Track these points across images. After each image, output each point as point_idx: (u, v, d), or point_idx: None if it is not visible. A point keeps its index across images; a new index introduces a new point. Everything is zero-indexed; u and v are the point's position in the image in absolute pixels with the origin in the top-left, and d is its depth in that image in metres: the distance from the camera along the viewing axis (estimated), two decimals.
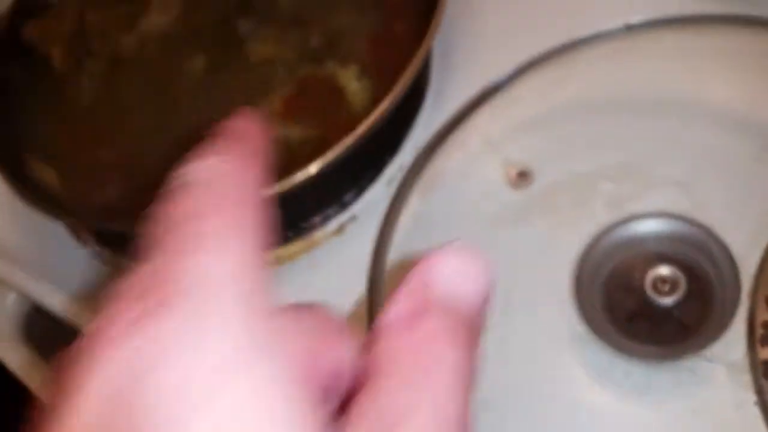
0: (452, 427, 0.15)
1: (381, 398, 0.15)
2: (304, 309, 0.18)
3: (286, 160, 0.43)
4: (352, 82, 0.45)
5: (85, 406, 0.13)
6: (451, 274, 0.18)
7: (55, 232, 0.51)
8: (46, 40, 0.53)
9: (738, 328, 0.36)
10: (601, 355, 0.36)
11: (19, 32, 0.53)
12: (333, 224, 0.46)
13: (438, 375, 0.15)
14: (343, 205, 0.46)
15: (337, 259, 0.45)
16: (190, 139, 0.47)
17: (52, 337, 0.62)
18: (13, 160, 0.47)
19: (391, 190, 0.46)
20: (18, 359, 0.52)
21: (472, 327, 0.17)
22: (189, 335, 0.13)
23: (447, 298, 0.17)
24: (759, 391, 0.35)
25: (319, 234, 0.46)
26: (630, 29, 0.41)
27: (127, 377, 0.13)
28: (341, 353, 0.17)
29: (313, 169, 0.40)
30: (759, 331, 0.36)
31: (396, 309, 0.17)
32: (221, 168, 0.17)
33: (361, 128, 0.41)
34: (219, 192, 0.16)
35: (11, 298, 0.53)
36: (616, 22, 0.42)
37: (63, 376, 0.14)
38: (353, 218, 0.46)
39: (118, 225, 0.42)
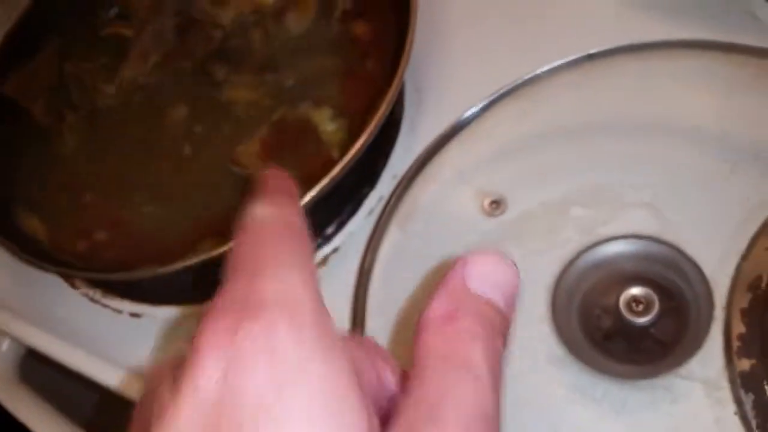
0: (481, 423, 0.17)
1: (416, 390, 0.17)
2: (356, 336, 0.20)
3: None
4: (327, 123, 0.47)
5: (193, 405, 0.16)
6: (484, 277, 0.20)
7: (46, 277, 0.52)
8: (26, 95, 0.54)
9: (712, 345, 0.36)
10: (579, 375, 0.37)
11: (1, 90, 0.54)
12: (317, 257, 0.47)
13: (468, 373, 0.17)
14: (326, 239, 0.48)
15: (321, 291, 0.46)
16: (172, 185, 0.48)
17: (48, 377, 0.62)
18: (2, 211, 0.48)
19: (372, 221, 0.47)
20: (15, 400, 0.52)
21: (503, 328, 0.20)
22: (273, 343, 0.16)
23: (480, 298, 0.19)
24: (738, 402, 0.35)
25: None
26: (592, 58, 0.43)
27: (226, 380, 0.16)
28: (387, 374, 0.20)
29: None
30: (736, 344, 0.37)
31: (435, 306, 0.19)
32: (275, 210, 0.20)
33: (336, 169, 0.42)
34: (280, 226, 0.20)
35: (6, 344, 0.54)
36: (578, 52, 0.43)
37: (162, 385, 0.17)
38: (336, 250, 0.47)
39: (103, 274, 0.43)
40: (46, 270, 0.47)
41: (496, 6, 0.53)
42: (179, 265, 0.41)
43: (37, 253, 0.45)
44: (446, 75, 0.52)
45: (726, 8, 0.46)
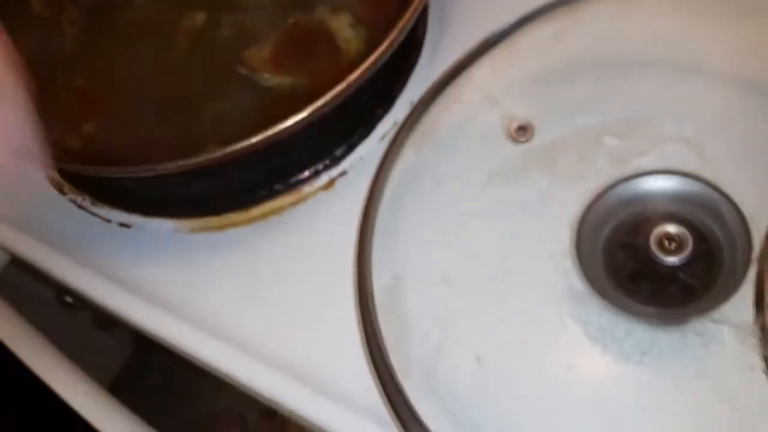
0: None
1: None
2: None
3: (276, 109, 0.41)
4: (345, 30, 0.43)
5: None
6: None
7: (34, 183, 0.49)
8: None
9: (747, 291, 0.34)
10: (601, 314, 0.35)
11: None
12: (323, 179, 0.44)
13: None
14: (334, 160, 0.44)
15: (325, 214, 0.43)
16: (177, 86, 0.44)
17: (28, 291, 0.60)
18: None
19: (383, 146, 0.44)
20: None
21: None
22: None
23: None
24: (766, 358, 0.33)
25: (307, 188, 0.44)
26: None
27: None
28: None
29: (302, 115, 0.38)
30: (767, 297, 0.34)
31: None
32: None
33: (354, 75, 0.39)
34: None
35: None
36: None
37: None
38: (343, 173, 0.44)
39: (96, 167, 0.40)
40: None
41: None
42: (181, 163, 0.38)
43: None
44: None
45: None
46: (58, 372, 0.48)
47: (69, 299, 0.61)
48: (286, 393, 0.37)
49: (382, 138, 0.45)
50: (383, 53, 0.39)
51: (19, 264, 0.54)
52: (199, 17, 0.45)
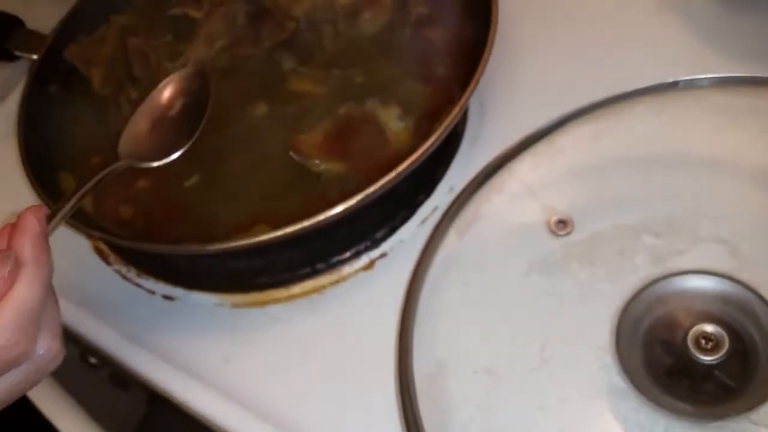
0: None
1: None
2: None
3: (323, 195, 0.43)
4: (394, 121, 0.45)
5: None
6: None
7: (80, 252, 0.50)
8: (87, 63, 0.54)
9: None
10: (640, 409, 0.35)
11: (62, 54, 0.54)
12: (363, 260, 0.45)
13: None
14: (375, 242, 0.46)
15: (365, 295, 0.44)
16: (229, 167, 0.46)
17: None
18: (47, 176, 0.46)
19: (423, 229, 0.46)
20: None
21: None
22: None
23: None
24: None
25: (348, 269, 0.45)
26: (678, 86, 0.42)
27: None
28: None
29: (352, 202, 0.40)
30: None
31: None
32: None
33: (403, 165, 0.41)
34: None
35: None
36: (664, 78, 0.42)
37: None
38: (383, 255, 0.46)
39: (148, 244, 0.41)
40: (86, 234, 0.46)
41: (572, 29, 0.52)
42: (229, 244, 0.40)
43: (79, 219, 0.43)
44: (514, 95, 0.51)
45: None
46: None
47: (92, 360, 0.62)
48: None
49: (423, 222, 0.47)
50: (428, 148, 0.41)
51: None
52: (261, 107, 0.47)
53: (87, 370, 0.64)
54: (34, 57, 0.53)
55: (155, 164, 0.39)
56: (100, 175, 0.37)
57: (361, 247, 0.46)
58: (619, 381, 0.36)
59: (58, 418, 0.51)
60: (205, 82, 0.42)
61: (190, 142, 0.39)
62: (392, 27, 0.50)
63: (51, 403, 0.52)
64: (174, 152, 0.39)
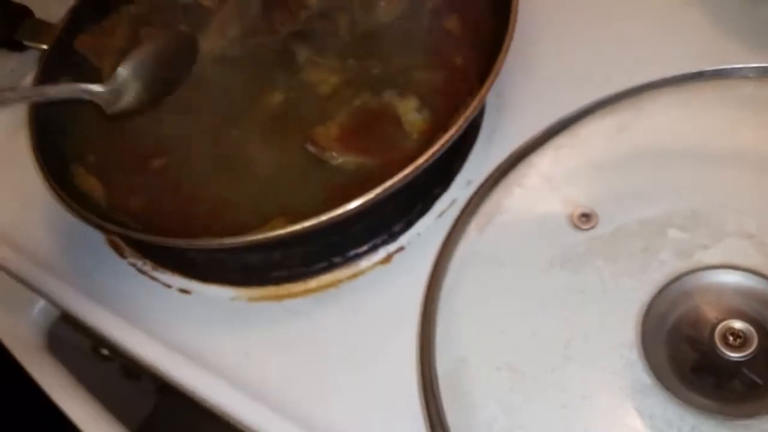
0: None
1: None
2: None
3: (341, 186, 0.43)
4: (411, 113, 0.45)
5: None
6: None
7: (94, 245, 0.50)
8: (98, 53, 0.53)
9: None
10: (667, 407, 0.34)
11: (72, 44, 0.53)
12: (380, 253, 0.45)
13: None
14: (392, 236, 0.45)
15: (382, 289, 0.44)
16: (243, 159, 0.45)
17: (73, 348, 0.60)
18: (60, 171, 0.46)
19: (441, 223, 0.45)
20: (40, 368, 0.50)
21: None
22: None
23: None
24: None
25: (365, 263, 0.45)
26: (703, 76, 0.41)
27: None
28: None
29: (370, 196, 0.39)
30: None
31: None
32: None
33: (422, 159, 0.40)
34: None
35: (38, 307, 0.52)
36: (685, 68, 0.41)
37: None
38: (401, 249, 0.45)
39: (162, 238, 0.41)
40: (104, 229, 0.45)
41: (592, 19, 0.51)
42: (246, 238, 0.39)
43: (94, 213, 0.42)
44: (533, 86, 0.50)
45: None
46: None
47: (105, 351, 0.62)
48: None
49: (440, 215, 0.46)
50: (449, 139, 0.40)
51: (67, 318, 0.54)
52: (277, 97, 0.47)
53: (99, 361, 0.64)
54: (44, 47, 0.52)
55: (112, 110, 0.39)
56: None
57: (378, 240, 0.45)
58: (645, 378, 0.35)
59: (70, 407, 0.51)
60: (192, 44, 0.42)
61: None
62: (409, 16, 0.49)
63: (63, 392, 0.52)
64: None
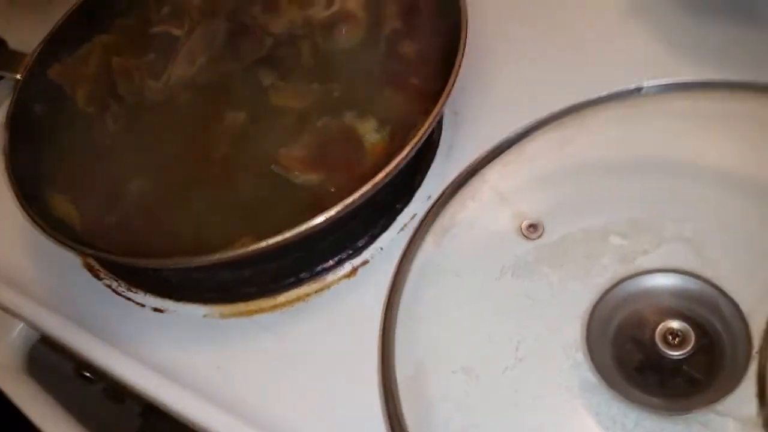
0: None
1: None
2: None
3: (305, 205, 0.45)
4: (371, 133, 0.47)
5: None
6: None
7: (70, 267, 0.52)
8: (71, 82, 0.55)
9: (749, 384, 0.36)
10: (612, 404, 0.37)
11: (46, 72, 0.55)
12: (346, 267, 0.47)
13: None
14: (357, 250, 0.47)
15: (348, 301, 0.46)
16: (212, 182, 0.48)
17: (55, 370, 0.62)
18: (35, 195, 0.48)
19: (403, 236, 0.47)
20: (20, 391, 0.51)
21: None
22: None
23: None
24: None
25: (331, 276, 0.47)
26: (641, 92, 0.43)
27: None
28: None
29: (332, 212, 0.41)
30: None
31: None
32: None
33: (380, 176, 0.42)
34: None
35: (17, 330, 0.53)
36: (628, 84, 0.44)
37: None
38: (365, 262, 0.47)
39: (134, 259, 0.43)
40: (77, 252, 0.47)
41: (542, 38, 0.54)
42: (215, 257, 0.41)
43: (69, 236, 0.44)
44: (486, 103, 0.53)
45: None
46: None
47: (87, 374, 0.63)
48: None
49: (402, 229, 0.48)
50: (406, 156, 0.43)
51: (46, 341, 0.56)
52: (242, 120, 0.49)
53: (82, 384, 0.65)
54: (18, 77, 0.54)
55: None
56: None
57: (344, 255, 0.48)
58: (591, 377, 0.38)
59: (51, 429, 0.53)
60: None
61: None
62: (367, 41, 0.52)
63: (43, 414, 0.53)
64: None
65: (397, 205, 0.49)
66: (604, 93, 0.44)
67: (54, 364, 0.64)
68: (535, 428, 0.37)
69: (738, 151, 0.43)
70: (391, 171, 0.42)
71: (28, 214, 0.45)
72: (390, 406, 0.37)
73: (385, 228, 0.48)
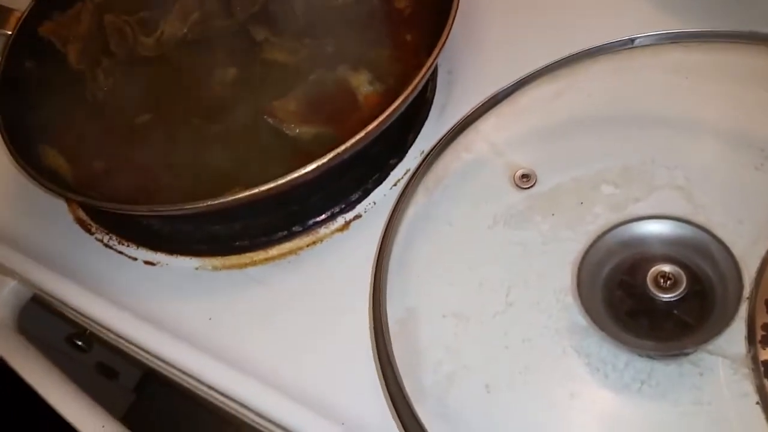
0: None
1: None
2: None
3: (299, 157, 0.44)
4: (365, 86, 0.47)
5: None
6: None
7: (61, 222, 0.51)
8: (63, 39, 0.55)
9: (740, 325, 0.36)
10: (602, 346, 0.37)
11: (36, 29, 0.55)
12: (339, 221, 0.47)
13: None
14: (350, 204, 0.47)
15: (340, 254, 0.46)
16: (206, 134, 0.47)
17: (46, 329, 0.62)
18: (28, 149, 0.47)
19: (396, 192, 0.48)
20: (12, 348, 0.51)
21: None
22: None
23: None
24: (761, 391, 0.35)
25: (324, 230, 0.47)
26: (634, 44, 0.43)
27: None
28: None
29: (323, 161, 0.41)
30: (759, 333, 0.37)
31: None
32: None
33: (371, 126, 0.42)
34: None
35: (9, 288, 0.53)
36: (621, 36, 0.44)
37: None
38: (358, 216, 0.47)
39: (126, 205, 0.43)
40: (65, 198, 0.47)
41: None
42: (206, 203, 0.41)
43: (60, 184, 0.44)
44: (479, 60, 0.53)
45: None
46: (75, 406, 0.50)
47: (79, 342, 0.63)
48: (301, 421, 0.39)
49: (395, 184, 0.48)
50: (397, 108, 0.43)
51: (38, 301, 0.56)
52: (231, 72, 0.49)
53: (74, 355, 0.65)
54: (8, 32, 0.54)
55: None
56: None
57: (336, 209, 0.47)
58: (581, 320, 0.38)
59: (44, 388, 0.52)
60: None
61: None
62: None
63: (37, 373, 0.53)
64: None
65: (391, 161, 0.49)
66: (596, 45, 0.44)
67: (44, 332, 0.64)
68: (523, 370, 0.37)
69: (729, 101, 0.43)
70: (384, 120, 0.42)
71: (19, 163, 0.45)
72: (381, 348, 0.37)
73: (378, 183, 0.48)
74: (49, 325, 0.63)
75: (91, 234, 0.51)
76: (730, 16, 0.46)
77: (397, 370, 0.36)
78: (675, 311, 0.38)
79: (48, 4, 0.55)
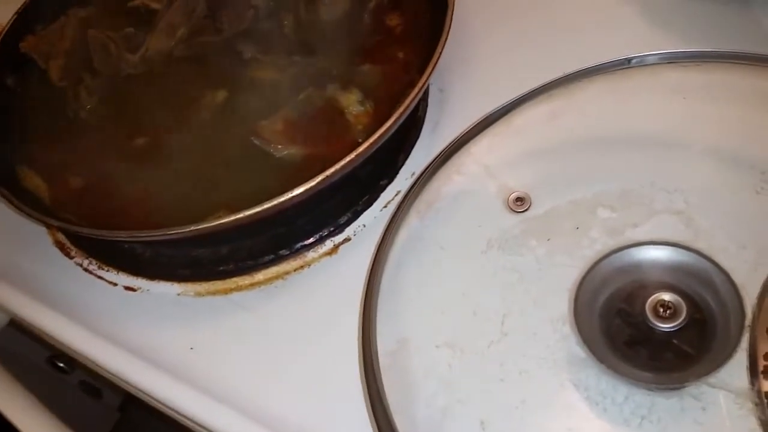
0: None
1: None
2: None
3: (287, 178, 0.43)
4: (354, 106, 0.45)
5: None
6: None
7: (40, 246, 0.50)
8: (45, 55, 0.53)
9: (742, 357, 0.35)
10: (600, 378, 0.35)
11: (17, 45, 0.53)
12: (327, 245, 0.45)
13: None
14: (338, 227, 0.46)
15: (329, 279, 0.44)
16: (191, 155, 0.46)
17: (26, 360, 0.59)
18: (5, 170, 0.46)
19: (386, 214, 0.46)
20: None
21: None
22: None
23: None
24: (764, 423, 0.34)
25: (312, 254, 0.45)
26: (630, 63, 0.42)
27: None
28: None
29: (311, 184, 0.40)
30: (762, 363, 0.36)
31: None
32: None
33: (362, 148, 0.41)
34: None
35: None
36: (617, 56, 0.43)
37: None
38: (347, 240, 0.46)
39: (107, 231, 0.41)
40: (43, 222, 0.45)
41: (528, 12, 0.53)
42: (190, 228, 0.39)
43: (38, 208, 0.42)
44: (472, 78, 0.51)
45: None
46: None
47: (60, 364, 0.61)
48: None
49: (386, 206, 0.47)
50: (388, 129, 0.41)
51: (16, 325, 0.54)
52: (222, 93, 0.47)
53: (57, 376, 0.63)
54: None
55: None
56: None
57: (325, 232, 0.46)
58: (579, 351, 0.36)
59: (18, 417, 0.50)
60: None
61: None
62: (352, 13, 0.50)
63: (11, 401, 0.51)
64: None
65: (381, 182, 0.48)
66: (592, 65, 0.43)
67: (25, 353, 0.62)
68: (520, 404, 0.35)
69: (728, 122, 0.42)
70: (375, 141, 0.41)
71: None
72: (371, 382, 0.36)
73: (368, 205, 0.47)
74: (30, 346, 0.61)
75: (71, 258, 0.49)
76: (728, 35, 0.45)
77: (388, 406, 0.34)
78: (675, 341, 0.37)
79: (31, 17, 0.54)
